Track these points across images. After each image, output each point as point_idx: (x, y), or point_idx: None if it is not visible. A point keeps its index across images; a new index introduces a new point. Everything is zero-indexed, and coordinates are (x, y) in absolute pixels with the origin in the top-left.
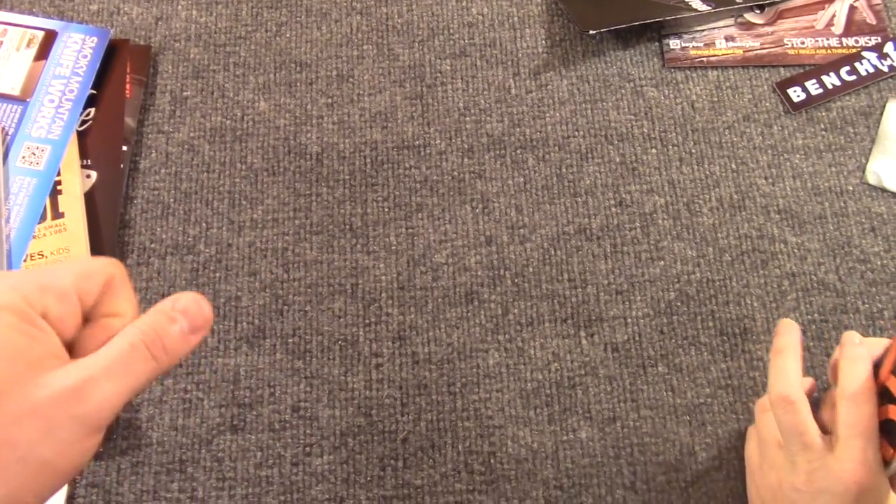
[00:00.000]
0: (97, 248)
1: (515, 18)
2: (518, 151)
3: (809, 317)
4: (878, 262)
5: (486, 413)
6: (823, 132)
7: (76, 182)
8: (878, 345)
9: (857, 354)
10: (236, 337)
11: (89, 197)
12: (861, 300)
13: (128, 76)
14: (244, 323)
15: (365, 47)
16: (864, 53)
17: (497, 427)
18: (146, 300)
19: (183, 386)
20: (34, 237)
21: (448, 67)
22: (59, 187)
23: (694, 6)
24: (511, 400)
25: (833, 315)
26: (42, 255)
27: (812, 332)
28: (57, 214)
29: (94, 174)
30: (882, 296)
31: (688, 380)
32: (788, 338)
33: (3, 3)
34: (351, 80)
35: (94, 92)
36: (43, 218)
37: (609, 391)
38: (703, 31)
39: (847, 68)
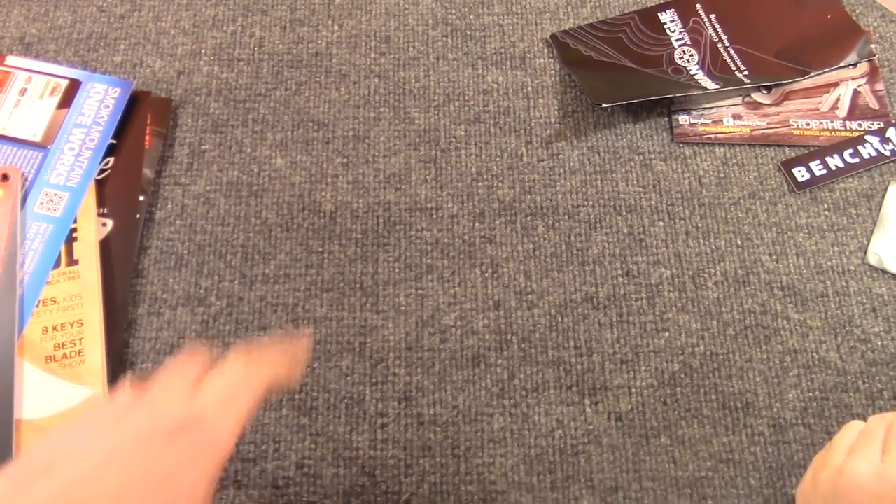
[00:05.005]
0: (110, 297)
1: (529, 88)
2: (528, 218)
3: (810, 394)
4: (879, 343)
5: (489, 478)
6: (826, 212)
7: (92, 230)
8: None
9: None
10: None
11: (104, 245)
12: (861, 380)
13: (148, 127)
14: None
15: (382, 109)
16: (867, 137)
17: (500, 493)
18: (155, 350)
19: None
20: (48, 283)
21: (462, 133)
22: (74, 234)
23: (703, 84)
24: (514, 465)
25: (834, 393)
26: (55, 302)
27: (813, 409)
28: (71, 261)
29: (109, 222)
30: (882, 376)
31: (690, 452)
32: None
33: (29, 52)
34: (367, 140)
35: (115, 142)
36: (57, 264)
37: (612, 461)
38: (711, 108)
39: (850, 151)
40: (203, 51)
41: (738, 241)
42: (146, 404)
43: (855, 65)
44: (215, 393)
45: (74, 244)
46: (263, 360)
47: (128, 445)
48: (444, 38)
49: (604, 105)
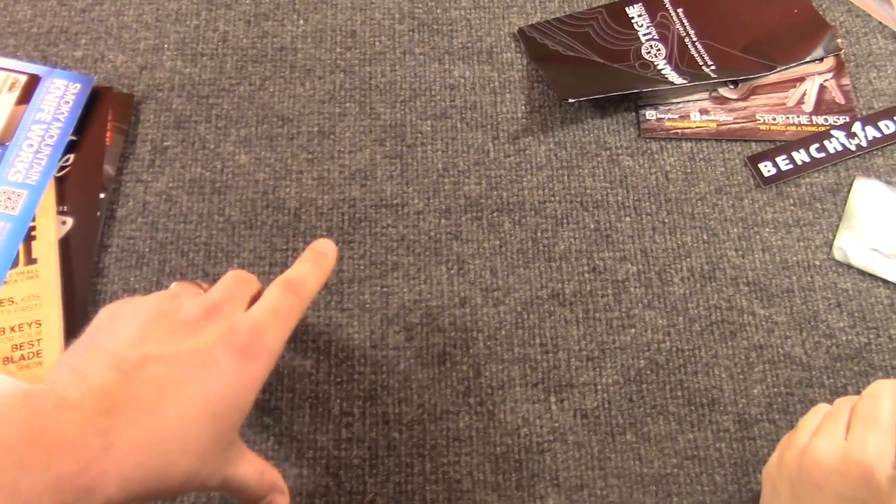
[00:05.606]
0: (69, 297)
1: (496, 83)
2: (495, 214)
3: (776, 389)
4: (843, 338)
5: (454, 477)
6: (792, 207)
7: (51, 228)
8: None
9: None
10: None
11: (64, 243)
12: (826, 375)
13: (109, 123)
14: None
15: (347, 105)
16: (832, 132)
17: (465, 491)
18: None
19: None
20: (5, 283)
21: (429, 128)
22: (33, 233)
23: (670, 79)
24: (480, 464)
25: (799, 388)
26: (12, 302)
27: (778, 405)
28: (30, 260)
29: (69, 220)
30: (846, 371)
31: (655, 449)
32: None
33: None
34: (332, 136)
35: (75, 138)
36: (15, 263)
37: (577, 458)
38: (678, 103)
39: (816, 146)
40: (166, 45)
41: (705, 237)
42: (218, 317)
43: (821, 59)
44: (268, 314)
45: (33, 243)
46: (303, 277)
47: (208, 355)
48: (410, 33)
49: (570, 100)
